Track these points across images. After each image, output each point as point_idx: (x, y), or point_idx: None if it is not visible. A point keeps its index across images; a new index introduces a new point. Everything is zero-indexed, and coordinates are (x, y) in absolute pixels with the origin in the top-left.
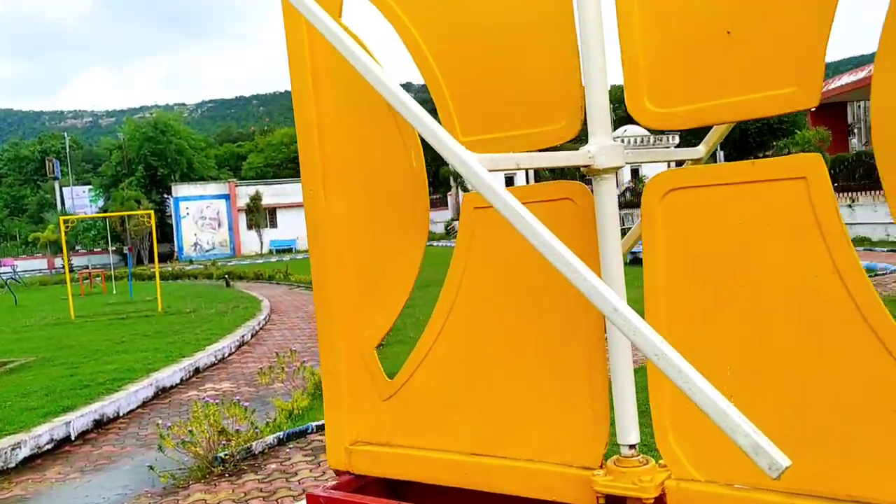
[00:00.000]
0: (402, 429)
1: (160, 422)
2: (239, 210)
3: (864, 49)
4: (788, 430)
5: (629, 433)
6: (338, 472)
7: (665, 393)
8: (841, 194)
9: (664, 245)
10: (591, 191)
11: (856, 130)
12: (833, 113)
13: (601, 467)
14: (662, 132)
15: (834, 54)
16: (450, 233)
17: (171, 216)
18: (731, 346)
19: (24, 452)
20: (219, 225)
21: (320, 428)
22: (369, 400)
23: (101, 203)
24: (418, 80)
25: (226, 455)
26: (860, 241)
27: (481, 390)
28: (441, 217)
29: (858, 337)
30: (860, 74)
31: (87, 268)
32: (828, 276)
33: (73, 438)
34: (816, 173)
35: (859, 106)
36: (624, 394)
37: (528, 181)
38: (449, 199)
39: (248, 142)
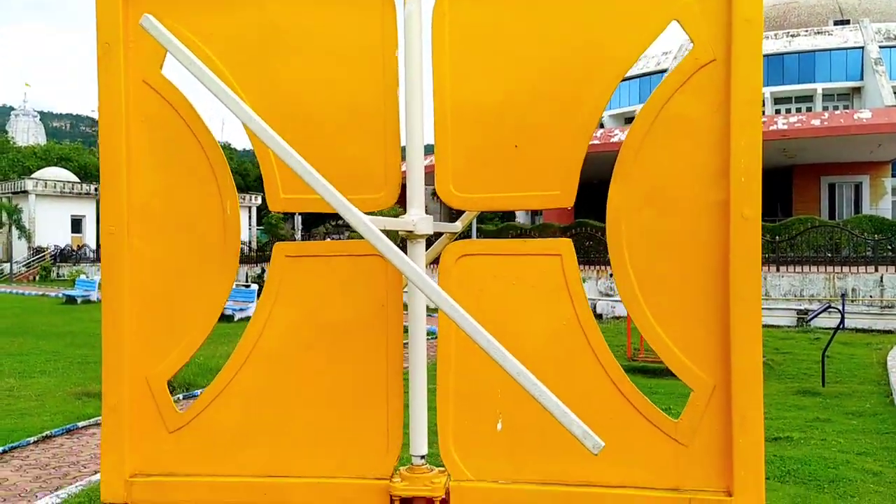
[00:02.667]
0: (189, 459)
1: None
2: None
3: None
4: (540, 435)
5: (421, 446)
6: None
7: (449, 412)
8: None
9: (456, 297)
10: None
11: None
12: None
13: (392, 477)
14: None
15: None
16: None
17: None
18: (500, 377)
19: None
20: None
21: None
22: (154, 432)
23: None
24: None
25: None
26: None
27: (279, 419)
28: None
29: (591, 368)
30: None
31: None
32: (571, 323)
33: None
34: (567, 252)
35: None
36: (419, 414)
37: None
38: None
39: None
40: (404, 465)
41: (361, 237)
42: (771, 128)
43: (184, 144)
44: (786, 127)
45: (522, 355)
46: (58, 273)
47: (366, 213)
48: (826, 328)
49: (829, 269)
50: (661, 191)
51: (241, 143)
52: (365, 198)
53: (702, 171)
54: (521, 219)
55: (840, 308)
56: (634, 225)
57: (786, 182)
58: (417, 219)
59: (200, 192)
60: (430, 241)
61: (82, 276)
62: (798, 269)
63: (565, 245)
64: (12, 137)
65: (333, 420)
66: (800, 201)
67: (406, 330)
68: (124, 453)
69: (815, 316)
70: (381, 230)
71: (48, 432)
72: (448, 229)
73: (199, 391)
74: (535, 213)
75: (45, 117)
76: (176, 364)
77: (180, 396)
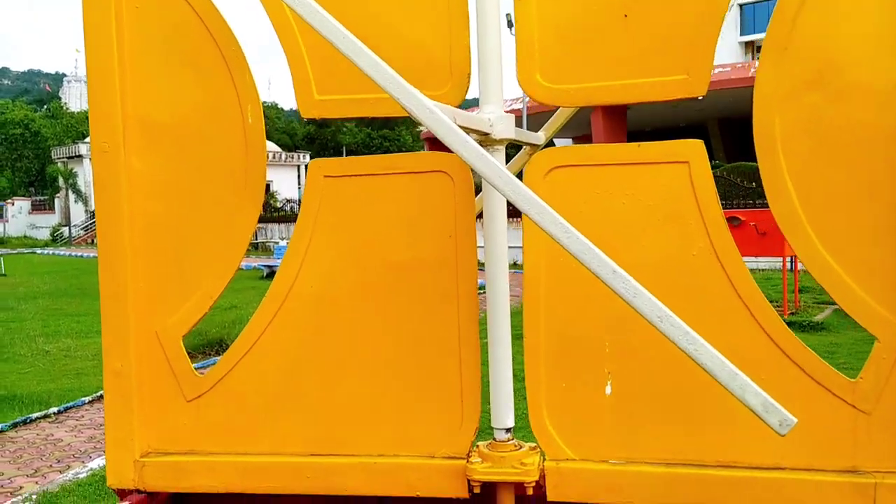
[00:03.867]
0: (213, 434)
1: None
2: None
3: None
4: (666, 402)
5: (506, 416)
6: (122, 494)
7: (540, 374)
8: None
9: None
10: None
11: None
12: None
13: (469, 456)
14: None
15: None
16: (56, 239)
17: None
18: (610, 323)
19: None
20: None
21: None
22: (169, 401)
23: None
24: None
25: None
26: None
27: (323, 383)
28: (46, 222)
29: (732, 310)
30: None
31: None
32: (705, 254)
33: None
34: (698, 158)
35: None
36: (502, 375)
37: None
38: (57, 201)
39: None
40: (483, 441)
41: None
42: None
43: (190, 37)
44: None
45: None
46: None
47: None
48: None
49: None
50: (831, 69)
51: (289, 103)
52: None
53: (891, 40)
54: None
55: None
56: (792, 117)
57: None
58: (495, 117)
59: (214, 96)
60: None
61: None
62: None
63: (695, 148)
64: (66, 103)
65: (392, 384)
66: None
67: (482, 268)
68: (133, 428)
69: None
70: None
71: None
72: (528, 140)
73: None
74: None
75: None
76: (192, 316)
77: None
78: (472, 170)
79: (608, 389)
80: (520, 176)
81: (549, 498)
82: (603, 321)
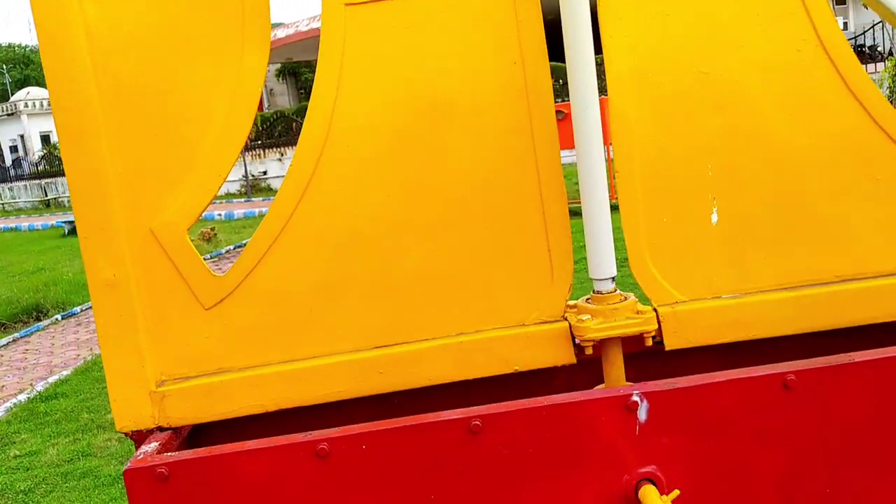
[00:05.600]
0: (245, 344)
1: None
2: None
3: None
4: (777, 222)
5: (609, 263)
6: (139, 437)
7: (638, 209)
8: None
9: (628, 28)
10: None
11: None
12: None
13: (564, 317)
14: None
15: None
16: None
17: None
18: (709, 138)
19: None
20: None
21: None
22: (183, 313)
23: None
24: None
25: None
26: (267, 192)
27: (377, 259)
28: None
29: (846, 111)
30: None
31: None
32: (811, 50)
33: None
34: None
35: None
36: (597, 216)
37: None
38: None
39: None
40: (572, 300)
41: None
42: None
43: None
44: None
45: (737, 99)
46: None
47: None
48: None
49: None
50: None
51: None
52: None
53: None
54: None
55: None
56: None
57: None
58: None
59: None
60: None
61: None
62: None
63: None
64: None
65: (463, 246)
66: None
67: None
68: (142, 353)
69: None
70: None
71: None
72: None
73: (78, 308)
74: None
75: None
76: (197, 202)
77: (58, 317)
78: None
79: (714, 217)
80: None
81: (668, 346)
82: (704, 139)
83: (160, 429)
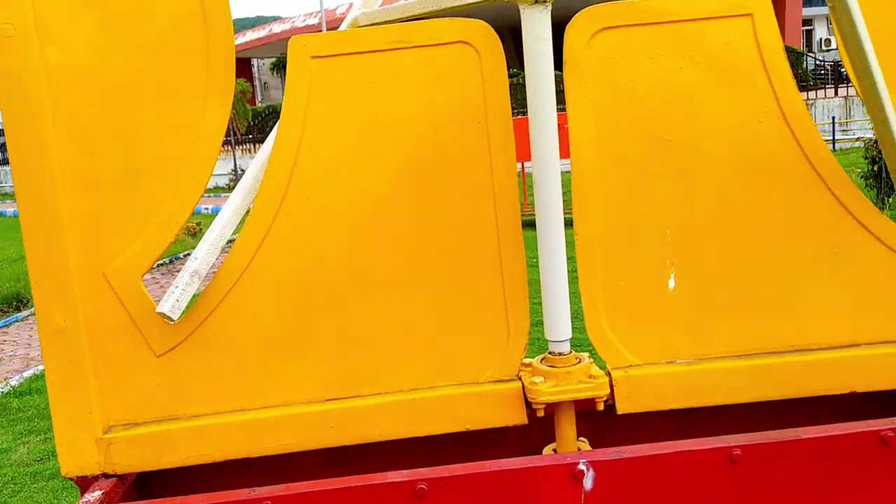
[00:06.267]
0: (195, 392)
1: None
2: None
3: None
4: (734, 290)
5: (564, 325)
6: (84, 483)
7: (596, 272)
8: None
9: (592, 93)
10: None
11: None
12: (242, 68)
13: (518, 377)
14: None
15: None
16: None
17: None
18: (669, 204)
19: None
20: None
21: None
22: (133, 360)
23: None
24: None
25: None
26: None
27: (333, 313)
28: None
29: (805, 183)
30: (262, 33)
31: None
32: (774, 122)
33: None
34: (763, 10)
35: (263, 63)
36: (554, 277)
37: None
38: None
39: None
40: (526, 359)
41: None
42: None
43: None
44: None
45: (698, 166)
46: None
47: None
48: None
49: None
50: None
51: None
52: None
53: None
54: None
55: None
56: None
57: None
58: None
59: None
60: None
61: None
62: None
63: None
64: None
65: (420, 303)
66: None
67: None
68: (90, 399)
69: None
70: None
71: None
72: None
73: None
74: None
75: None
76: (151, 249)
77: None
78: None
79: (671, 283)
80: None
81: (620, 410)
82: (664, 204)
83: (105, 475)
